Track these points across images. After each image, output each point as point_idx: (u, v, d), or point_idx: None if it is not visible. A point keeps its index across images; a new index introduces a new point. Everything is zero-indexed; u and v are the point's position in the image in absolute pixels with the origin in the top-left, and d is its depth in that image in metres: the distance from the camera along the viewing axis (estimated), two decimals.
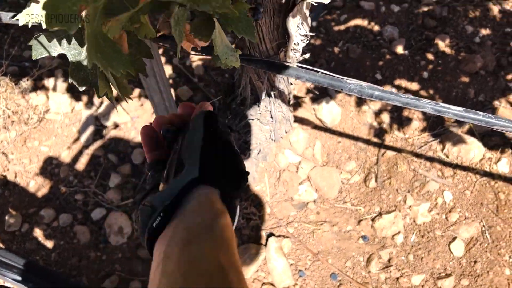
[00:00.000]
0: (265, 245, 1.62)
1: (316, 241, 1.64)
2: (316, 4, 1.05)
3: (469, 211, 1.64)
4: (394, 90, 1.93)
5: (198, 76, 2.08)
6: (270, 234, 1.65)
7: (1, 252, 1.32)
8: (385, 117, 1.87)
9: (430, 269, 1.55)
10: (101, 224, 1.74)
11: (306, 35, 1.14)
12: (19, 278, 1.29)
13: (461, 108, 0.90)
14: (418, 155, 1.77)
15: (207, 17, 0.68)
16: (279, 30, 1.09)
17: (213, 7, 0.56)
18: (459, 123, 1.81)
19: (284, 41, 1.11)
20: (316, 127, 1.89)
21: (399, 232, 1.62)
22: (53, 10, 0.43)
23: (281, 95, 1.39)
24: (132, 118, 1.96)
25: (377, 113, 1.89)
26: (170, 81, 2.06)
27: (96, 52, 0.48)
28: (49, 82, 2.04)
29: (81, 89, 0.64)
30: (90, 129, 1.94)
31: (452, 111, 0.90)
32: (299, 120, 1.88)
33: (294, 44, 1.14)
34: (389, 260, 1.58)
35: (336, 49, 2.07)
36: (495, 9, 2.16)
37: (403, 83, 1.94)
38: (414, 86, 1.93)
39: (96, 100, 2.01)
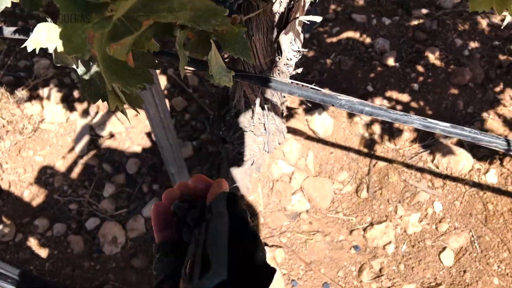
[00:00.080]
0: None
1: (309, 251, 1.66)
2: (308, 23, 1.08)
3: (459, 221, 1.67)
4: (385, 101, 1.97)
5: (192, 86, 2.10)
6: (264, 244, 1.66)
7: None
8: (377, 128, 1.91)
9: (420, 278, 1.58)
10: (95, 233, 1.75)
11: (299, 51, 1.18)
12: None
13: (448, 124, 0.93)
14: (409, 166, 1.81)
15: (205, 37, 0.71)
16: (272, 46, 1.12)
17: (212, 25, 0.58)
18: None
19: (277, 56, 1.14)
20: (309, 137, 1.92)
21: (390, 242, 1.65)
22: (67, 39, 0.46)
23: (274, 108, 1.41)
24: (127, 128, 1.98)
25: (369, 124, 1.93)
26: (165, 91, 2.08)
27: (112, 74, 0.51)
28: (44, 92, 2.05)
29: (94, 103, 0.67)
30: (85, 139, 1.95)
31: (440, 126, 0.93)
32: (292, 131, 1.91)
33: (287, 59, 1.17)
34: (380, 270, 1.61)
35: (329, 61, 2.11)
36: (484, 23, 2.21)
37: (394, 94, 1.98)
38: (405, 97, 1.97)
39: (92, 110, 2.02)
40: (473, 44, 2.13)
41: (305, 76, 2.09)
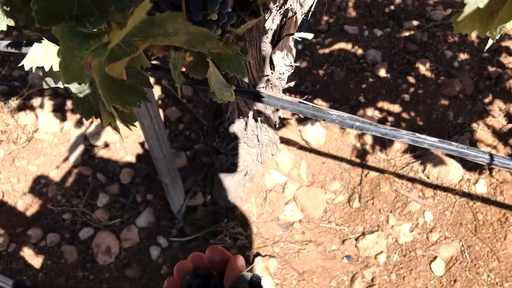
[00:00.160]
0: (252, 264, 1.65)
1: (302, 260, 1.68)
2: (300, 39, 1.11)
3: (449, 231, 1.69)
4: (377, 112, 2.00)
5: (186, 97, 2.12)
6: (257, 254, 1.68)
7: None
8: (368, 139, 1.93)
9: (412, 287, 1.60)
10: (89, 243, 1.75)
11: (291, 65, 1.20)
12: None
13: (436, 139, 0.96)
14: (400, 176, 1.83)
15: (202, 57, 0.73)
16: (265, 61, 1.14)
17: (207, 48, 0.60)
18: None
19: (270, 71, 1.16)
20: (301, 148, 1.94)
21: (382, 252, 1.67)
22: (66, 67, 0.48)
23: (267, 120, 1.43)
24: (121, 138, 1.99)
25: (361, 135, 1.95)
26: (159, 101, 2.10)
27: (111, 94, 0.53)
28: (38, 101, 2.06)
29: (87, 120, 0.69)
30: (80, 149, 1.96)
31: (428, 141, 0.96)
32: (285, 141, 1.93)
33: (280, 73, 1.19)
34: (372, 279, 1.63)
35: (321, 72, 2.14)
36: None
37: (386, 105, 2.01)
38: (396, 108, 2.00)
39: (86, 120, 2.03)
40: (463, 56, 2.17)
41: (298, 87, 2.12)
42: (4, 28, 0.71)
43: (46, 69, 0.72)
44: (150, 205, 1.83)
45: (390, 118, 1.98)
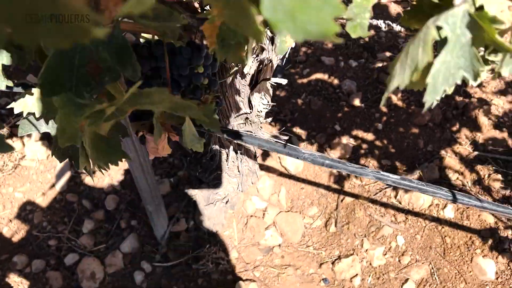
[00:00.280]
0: None
1: (281, 284, 1.75)
2: (275, 84, 1.21)
3: (420, 254, 1.79)
4: (352, 140, 2.11)
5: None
6: (238, 278, 1.75)
7: None
8: None
9: None
10: (74, 269, 1.80)
11: (268, 104, 1.30)
12: None
13: (398, 176, 1.06)
14: (374, 201, 1.93)
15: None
16: (244, 101, 1.23)
17: (188, 114, 0.69)
18: (410, 172, 1.99)
19: (249, 110, 1.26)
20: (281, 174, 2.03)
21: (356, 275, 1.76)
22: (62, 131, 0.56)
23: (247, 152, 1.52)
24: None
25: None
26: None
27: (98, 154, 0.61)
28: None
29: (61, 162, 0.77)
30: (66, 176, 2.01)
31: (391, 178, 1.06)
32: (266, 168, 2.02)
33: (258, 112, 1.28)
34: None
35: (300, 101, 2.25)
36: None
37: (360, 133, 2.13)
38: (370, 136, 2.11)
39: None
40: None
41: (277, 115, 2.22)
42: (3, 88, 0.79)
43: (37, 115, 0.80)
44: (134, 231, 1.89)
45: (364, 146, 2.09)
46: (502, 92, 2.23)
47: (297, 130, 2.17)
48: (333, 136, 2.12)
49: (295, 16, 0.30)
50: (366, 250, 1.81)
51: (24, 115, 0.82)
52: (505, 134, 2.09)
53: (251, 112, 1.25)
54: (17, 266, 1.79)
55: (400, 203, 1.92)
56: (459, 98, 2.24)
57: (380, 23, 0.79)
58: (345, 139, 2.10)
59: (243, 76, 1.15)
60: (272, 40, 1.03)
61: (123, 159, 0.74)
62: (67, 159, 0.76)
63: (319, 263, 1.81)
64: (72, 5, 0.21)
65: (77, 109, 0.58)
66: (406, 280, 1.74)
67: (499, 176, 1.95)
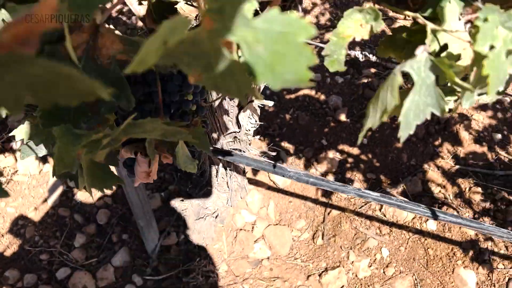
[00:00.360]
0: None
1: None
2: (262, 106, 1.26)
3: (403, 266, 1.85)
4: (338, 154, 2.17)
5: None
6: None
7: None
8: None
9: None
10: (66, 283, 1.82)
11: (256, 123, 1.35)
12: None
13: (378, 194, 1.12)
14: (359, 214, 1.99)
15: None
16: (233, 121, 1.29)
17: (178, 138, 0.75)
18: (395, 185, 2.05)
19: (237, 129, 1.31)
20: (270, 188, 2.08)
21: (343, 286, 1.81)
22: (60, 160, 0.61)
23: (236, 168, 1.57)
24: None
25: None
26: None
27: (93, 181, 0.66)
28: (17, 144, 2.14)
29: (62, 181, 0.82)
30: (58, 191, 2.04)
31: (372, 196, 1.12)
32: (255, 182, 2.07)
33: (246, 130, 1.34)
34: None
35: (288, 116, 2.31)
36: None
37: (346, 148, 2.19)
38: (355, 151, 2.18)
39: None
40: None
41: (266, 130, 2.28)
42: (4, 116, 0.84)
43: (36, 144, 0.85)
44: (126, 244, 1.92)
45: (350, 160, 2.15)
46: (482, 108, 2.32)
47: (285, 144, 2.23)
48: (320, 150, 2.18)
49: (274, 69, 0.35)
50: (352, 262, 1.86)
51: (25, 142, 0.87)
52: (485, 148, 2.18)
53: (239, 131, 1.31)
54: (9, 280, 1.82)
55: (384, 215, 1.98)
56: None
57: (358, 54, 0.86)
58: (331, 154, 2.17)
59: (231, 98, 1.21)
60: None
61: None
62: None
63: (306, 275, 1.85)
64: (93, 92, 0.26)
65: (75, 138, 0.63)
66: None
67: (479, 189, 2.03)
